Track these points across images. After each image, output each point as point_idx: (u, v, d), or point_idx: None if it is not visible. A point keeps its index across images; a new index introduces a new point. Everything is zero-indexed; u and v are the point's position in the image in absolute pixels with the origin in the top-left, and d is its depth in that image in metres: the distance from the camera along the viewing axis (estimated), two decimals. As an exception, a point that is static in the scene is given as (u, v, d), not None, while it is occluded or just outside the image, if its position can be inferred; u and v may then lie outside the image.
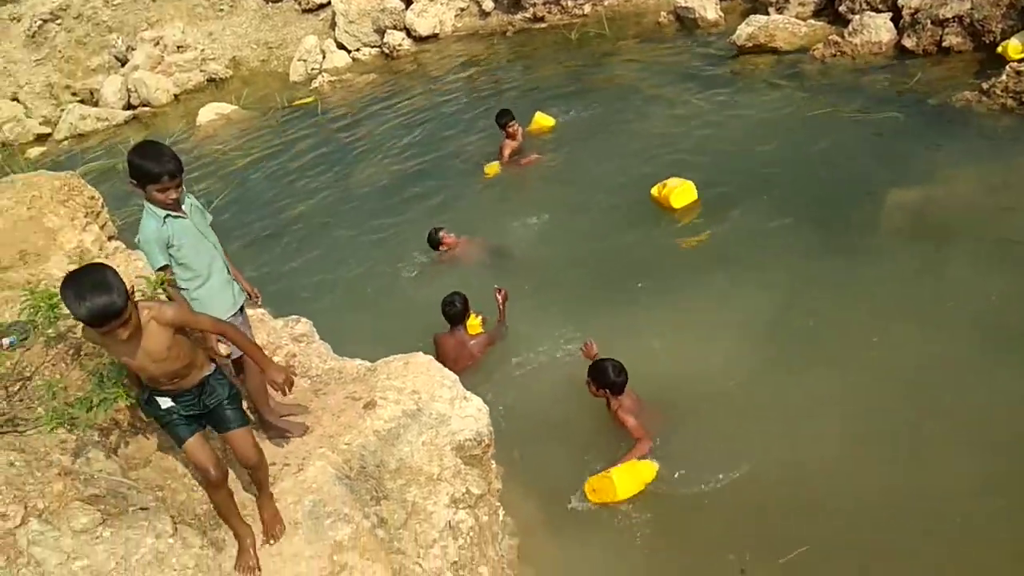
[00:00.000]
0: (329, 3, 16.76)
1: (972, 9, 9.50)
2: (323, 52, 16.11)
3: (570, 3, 14.67)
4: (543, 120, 10.47)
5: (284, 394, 3.68)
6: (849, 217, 7.32)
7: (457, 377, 5.07)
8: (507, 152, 9.86)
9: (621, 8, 14.33)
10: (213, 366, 3.52)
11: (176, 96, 16.52)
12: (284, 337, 5.40)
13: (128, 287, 3.07)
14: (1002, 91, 8.31)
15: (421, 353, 5.15)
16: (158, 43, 17.29)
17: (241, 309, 4.25)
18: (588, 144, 9.89)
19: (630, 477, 5.25)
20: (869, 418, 5.33)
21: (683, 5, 12.96)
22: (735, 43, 11.28)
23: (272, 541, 3.70)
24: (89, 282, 2.94)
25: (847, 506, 4.83)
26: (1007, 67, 8.44)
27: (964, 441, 5.04)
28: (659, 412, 5.72)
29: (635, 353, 6.23)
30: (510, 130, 9.90)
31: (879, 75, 9.80)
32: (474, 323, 6.91)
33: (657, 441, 5.49)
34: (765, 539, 4.78)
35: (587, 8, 14.55)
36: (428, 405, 4.75)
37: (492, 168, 9.86)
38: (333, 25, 16.44)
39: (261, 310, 5.69)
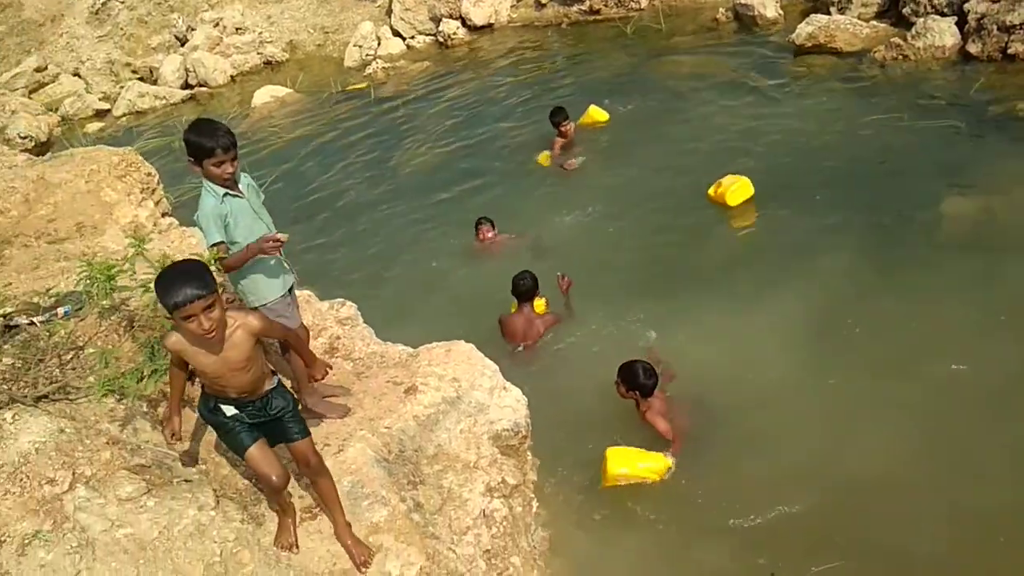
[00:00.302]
0: (387, -11, 16.86)
1: (1042, 16, 9.24)
2: (378, 39, 16.21)
3: (627, -4, 14.55)
4: (597, 114, 10.39)
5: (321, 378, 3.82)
6: (904, 224, 7.19)
7: (497, 367, 5.09)
8: (557, 148, 9.85)
9: (678, 3, 14.17)
10: (276, 380, 3.57)
11: (233, 77, 16.75)
12: (329, 319, 5.46)
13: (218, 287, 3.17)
14: (1069, 101, 8.07)
15: (463, 341, 5.18)
16: (217, 24, 17.55)
17: (291, 290, 4.32)
18: (640, 140, 9.82)
19: (625, 460, 5.28)
20: (917, 432, 5.23)
21: (742, 2, 12.77)
22: (794, 42, 11.11)
23: (363, 569, 3.65)
24: (182, 267, 3.16)
25: (891, 520, 4.74)
26: (1076, 76, 8.21)
27: (1009, 452, 4.94)
28: (687, 415, 5.71)
29: (675, 352, 6.22)
30: (563, 129, 9.86)
31: (941, 80, 9.58)
32: (539, 303, 7.02)
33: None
34: (799, 546, 4.73)
35: (643, 2, 14.41)
36: (468, 393, 4.78)
37: (544, 157, 9.86)
38: (389, 12, 16.52)
39: (307, 291, 5.77)
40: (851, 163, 8.31)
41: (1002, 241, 6.75)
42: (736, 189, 7.95)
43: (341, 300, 5.66)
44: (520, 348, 6.81)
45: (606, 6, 14.74)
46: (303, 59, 17.05)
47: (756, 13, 12.56)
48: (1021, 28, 9.39)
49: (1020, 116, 8.33)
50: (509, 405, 4.94)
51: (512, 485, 4.67)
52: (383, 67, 15.05)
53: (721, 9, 13.18)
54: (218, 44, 17.24)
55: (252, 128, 13.72)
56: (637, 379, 5.62)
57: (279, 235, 3.94)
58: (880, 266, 6.76)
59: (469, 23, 15.64)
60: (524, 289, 6.87)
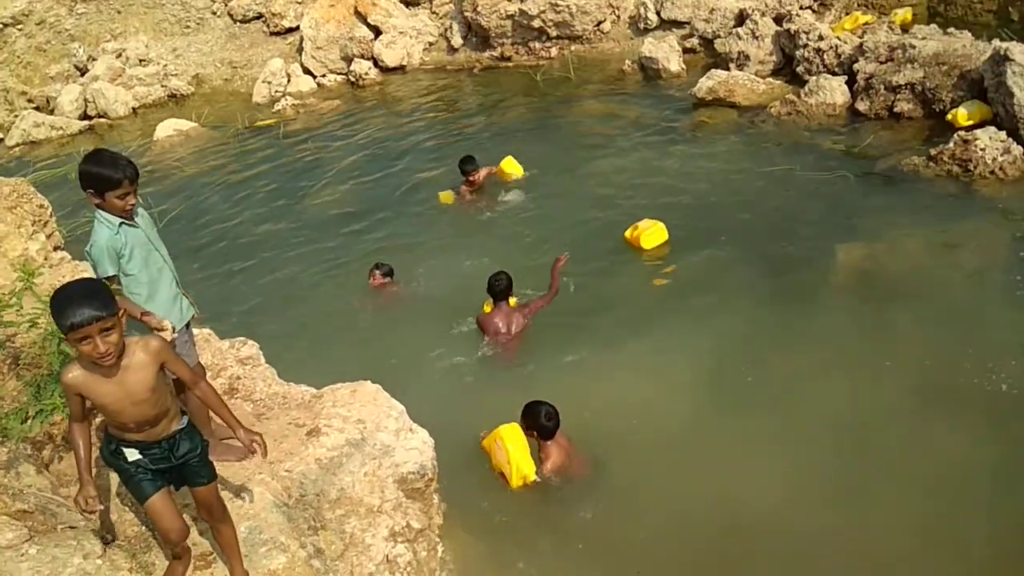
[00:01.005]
0: (298, 27, 16.77)
1: (924, 78, 9.87)
2: (288, 75, 16.08)
3: (537, 45, 14.89)
4: (513, 167, 10.24)
5: (263, 456, 3.55)
6: (799, 271, 7.50)
7: (403, 408, 5.04)
8: (465, 195, 9.89)
9: (587, 54, 14.58)
10: (185, 420, 3.38)
11: (135, 110, 16.29)
12: (229, 359, 5.32)
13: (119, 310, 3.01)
14: (949, 158, 8.61)
15: (369, 382, 5.11)
16: (120, 55, 17.10)
17: (187, 326, 4.19)
18: (549, 184, 9.99)
19: (514, 440, 5.47)
20: (806, 467, 5.41)
21: (647, 55, 13.24)
22: (696, 95, 11.54)
23: None
24: (80, 286, 3.00)
25: (778, 551, 4.87)
26: (955, 135, 8.76)
27: (895, 491, 5.15)
28: (589, 462, 5.75)
29: (579, 392, 6.29)
30: (471, 178, 9.86)
31: (833, 136, 10.09)
32: (512, 301, 7.32)
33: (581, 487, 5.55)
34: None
35: (554, 51, 14.78)
36: (373, 435, 4.71)
37: (447, 196, 9.92)
38: (300, 49, 16.43)
39: (207, 330, 5.61)
40: (751, 212, 8.64)
41: (889, 288, 7.11)
42: (651, 233, 8.18)
43: (242, 339, 5.52)
44: (499, 345, 7.09)
45: (517, 54, 15.03)
46: (210, 93, 16.75)
47: (660, 66, 13.03)
48: (906, 88, 10.01)
49: (905, 170, 8.84)
50: (415, 447, 4.88)
51: (417, 529, 4.59)
52: (292, 104, 14.92)
53: (627, 61, 13.62)
54: (120, 75, 16.77)
55: (154, 161, 13.34)
56: (538, 420, 5.65)
57: (165, 324, 3.81)
58: (777, 311, 7.02)
59: (381, 64, 15.70)
60: (500, 289, 7.21)
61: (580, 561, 5.06)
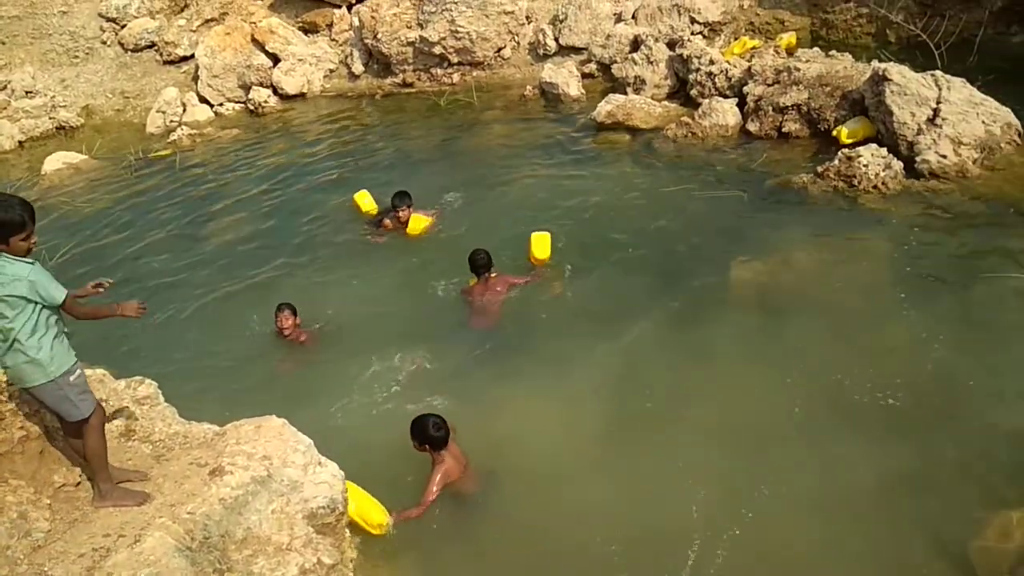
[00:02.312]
0: (192, 56, 16.40)
1: (809, 99, 10.34)
2: (184, 105, 15.68)
3: (439, 71, 14.95)
4: (418, 221, 9.59)
5: None
6: (697, 287, 7.73)
7: (312, 442, 4.94)
8: (388, 225, 9.65)
9: (488, 79, 14.72)
10: None
11: (21, 143, 15.59)
12: (126, 399, 5.13)
13: None
14: (834, 174, 9.02)
15: (274, 416, 5.00)
16: (5, 87, 16.36)
17: (76, 367, 4.05)
18: (455, 212, 10.03)
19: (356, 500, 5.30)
20: (703, 480, 5.57)
21: (548, 80, 13.46)
22: (595, 119, 11.78)
23: None
24: None
25: (677, 562, 4.98)
26: (839, 152, 9.19)
27: (790, 499, 5.36)
28: (477, 477, 5.82)
29: (475, 416, 6.33)
30: (400, 213, 9.48)
31: (726, 156, 10.44)
32: (493, 277, 8.10)
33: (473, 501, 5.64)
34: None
35: (455, 77, 14.86)
36: (279, 471, 4.60)
37: (363, 199, 9.97)
38: (196, 78, 16.06)
39: (101, 370, 5.40)
40: (650, 232, 8.86)
41: (783, 302, 7.39)
42: (536, 242, 8.50)
43: (139, 378, 5.34)
44: (483, 314, 7.85)
45: (419, 80, 15.06)
46: (101, 125, 16.17)
47: (561, 91, 13.27)
48: (793, 109, 10.45)
49: (795, 188, 9.20)
50: (325, 481, 4.79)
51: (329, 565, 4.50)
52: (189, 133, 14.55)
53: (528, 87, 13.82)
54: (5, 108, 16.05)
55: (43, 196, 12.75)
56: (426, 432, 5.68)
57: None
58: (675, 327, 7.21)
59: (281, 91, 15.48)
60: (481, 264, 8.00)
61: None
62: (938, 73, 9.37)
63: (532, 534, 5.36)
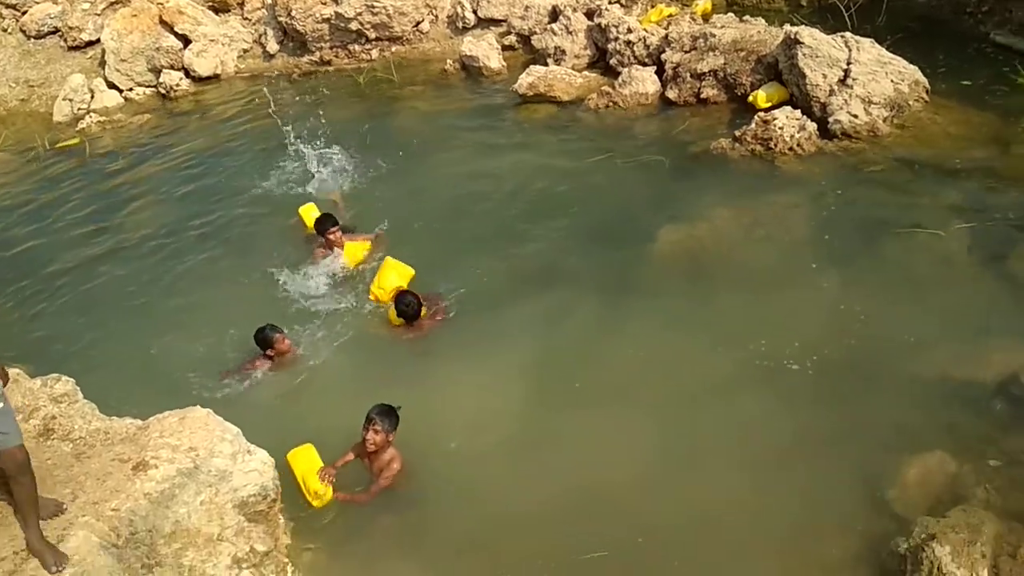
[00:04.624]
0: (98, 40, 15.75)
1: (725, 64, 10.46)
2: (91, 91, 15.07)
3: (357, 48, 14.66)
4: (357, 250, 8.80)
5: None
6: (624, 256, 7.83)
7: (240, 431, 4.86)
8: (318, 258, 8.75)
9: (408, 55, 14.50)
10: None
11: (-82, 138, 14.84)
12: (42, 398, 4.96)
13: None
14: (752, 138, 9.18)
15: (199, 407, 4.90)
16: None
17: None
18: (379, 192, 9.91)
19: (306, 463, 5.40)
20: (640, 448, 5.67)
21: (468, 54, 13.32)
22: (517, 92, 11.74)
23: None
24: None
25: (620, 532, 5.10)
26: (756, 116, 9.35)
27: (720, 457, 5.54)
28: (410, 465, 5.81)
29: (413, 400, 6.25)
30: (331, 237, 8.63)
31: (647, 124, 10.53)
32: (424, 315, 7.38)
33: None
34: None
35: (374, 53, 14.60)
36: (207, 462, 4.52)
37: (308, 213, 9.18)
38: (103, 63, 15.44)
39: (16, 370, 5.20)
40: (574, 203, 8.91)
41: (709, 267, 7.54)
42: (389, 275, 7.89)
43: (55, 376, 5.16)
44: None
45: (337, 57, 14.76)
46: (5, 116, 15.43)
47: (481, 64, 13.15)
48: (710, 75, 10.57)
49: (715, 153, 9.32)
50: (255, 469, 4.73)
51: (262, 552, 4.45)
52: (98, 121, 14.00)
53: (449, 61, 13.66)
54: (-102, 101, 15.24)
55: (-59, 194, 12.17)
56: (397, 421, 5.70)
57: None
58: (604, 297, 7.30)
59: (193, 74, 14.99)
60: (411, 315, 7.25)
61: (430, 564, 5.07)
62: (848, 35, 9.59)
63: (463, 511, 5.40)
